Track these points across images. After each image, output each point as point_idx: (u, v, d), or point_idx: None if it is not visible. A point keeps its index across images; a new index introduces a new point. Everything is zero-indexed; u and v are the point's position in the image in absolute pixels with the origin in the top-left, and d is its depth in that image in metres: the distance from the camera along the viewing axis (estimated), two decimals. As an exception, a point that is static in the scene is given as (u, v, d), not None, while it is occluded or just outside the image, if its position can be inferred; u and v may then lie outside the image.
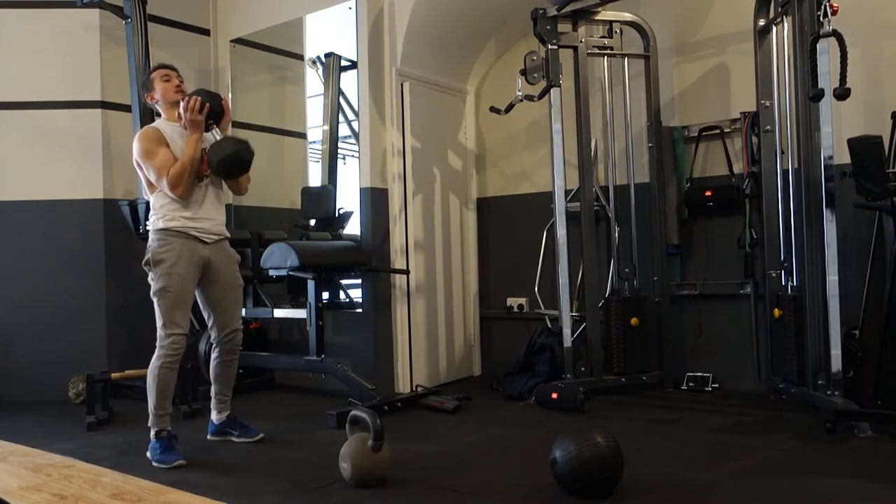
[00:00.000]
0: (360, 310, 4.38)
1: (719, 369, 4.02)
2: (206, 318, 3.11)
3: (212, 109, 2.95)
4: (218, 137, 2.99)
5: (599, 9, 3.96)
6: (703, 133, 4.08)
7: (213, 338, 3.12)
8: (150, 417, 2.86)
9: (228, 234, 3.11)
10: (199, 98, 2.90)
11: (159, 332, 2.87)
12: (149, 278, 2.89)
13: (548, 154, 4.16)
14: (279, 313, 4.37)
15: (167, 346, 2.85)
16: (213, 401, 3.20)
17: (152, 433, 2.86)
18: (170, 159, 2.87)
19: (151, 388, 2.86)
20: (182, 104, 2.91)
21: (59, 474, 2.70)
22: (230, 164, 2.95)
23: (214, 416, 3.20)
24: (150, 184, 2.94)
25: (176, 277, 2.85)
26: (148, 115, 4.17)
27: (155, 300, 2.87)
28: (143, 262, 2.92)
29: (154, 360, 2.87)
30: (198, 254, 2.93)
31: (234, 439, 3.15)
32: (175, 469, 2.72)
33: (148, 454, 2.86)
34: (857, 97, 3.18)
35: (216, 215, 3.02)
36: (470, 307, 4.81)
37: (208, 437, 3.20)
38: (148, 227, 2.96)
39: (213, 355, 3.16)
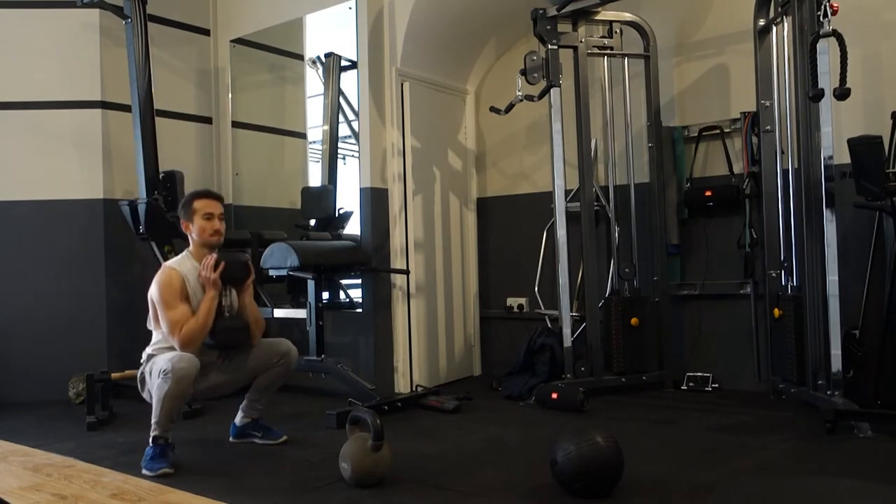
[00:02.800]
0: (360, 310, 4.38)
1: (719, 369, 4.02)
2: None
3: (232, 276, 2.93)
4: (228, 303, 2.95)
5: (599, 9, 3.96)
6: (703, 133, 4.08)
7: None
8: (153, 425, 2.75)
9: None
10: (213, 256, 2.88)
11: (164, 366, 2.72)
12: (146, 376, 2.83)
13: (548, 154, 4.16)
14: (279, 313, 4.37)
15: (173, 377, 2.71)
16: (243, 403, 3.13)
17: (151, 437, 2.76)
18: (186, 316, 2.81)
19: (158, 405, 2.73)
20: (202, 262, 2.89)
21: (59, 474, 2.70)
22: (229, 347, 2.96)
23: (238, 419, 3.14)
24: (156, 320, 2.89)
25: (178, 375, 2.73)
26: (148, 116, 4.19)
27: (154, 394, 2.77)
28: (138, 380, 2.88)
29: (161, 383, 2.69)
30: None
31: (258, 441, 3.10)
32: (161, 476, 2.63)
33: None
34: (857, 97, 3.18)
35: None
36: (470, 307, 4.81)
37: (230, 439, 3.15)
38: (144, 353, 2.90)
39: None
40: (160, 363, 2.74)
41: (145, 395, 2.86)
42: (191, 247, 2.99)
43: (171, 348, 2.83)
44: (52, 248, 4.35)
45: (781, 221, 3.60)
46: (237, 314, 2.98)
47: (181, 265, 2.93)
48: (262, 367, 3.05)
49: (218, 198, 3.01)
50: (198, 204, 2.94)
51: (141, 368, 2.89)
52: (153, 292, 2.85)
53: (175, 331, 2.79)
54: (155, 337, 2.91)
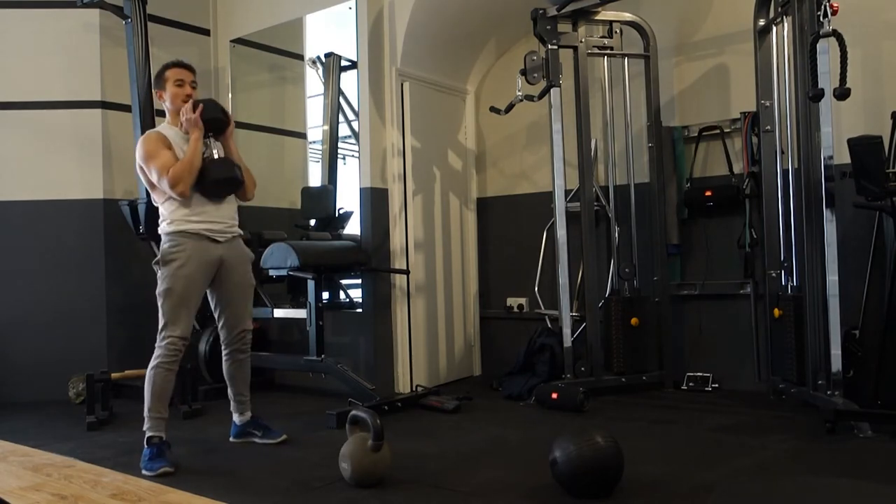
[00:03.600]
0: (360, 310, 4.38)
1: (719, 369, 4.02)
2: (216, 317, 3.09)
3: (213, 118, 2.96)
4: (216, 152, 2.99)
5: (599, 9, 3.96)
6: (703, 133, 4.08)
7: (222, 338, 3.10)
8: (145, 421, 2.81)
9: (242, 233, 3.11)
10: (190, 102, 2.94)
11: (159, 334, 2.85)
12: (157, 276, 2.88)
13: (548, 154, 4.16)
14: (279, 313, 4.37)
15: (164, 346, 2.83)
16: (232, 403, 3.16)
17: (145, 438, 2.79)
18: (171, 160, 2.86)
19: (147, 389, 2.82)
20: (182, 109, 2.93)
21: (59, 474, 2.70)
22: (223, 186, 2.98)
23: (236, 418, 3.16)
24: (156, 190, 2.93)
25: (182, 279, 2.84)
26: (148, 115, 4.19)
27: (159, 300, 2.85)
28: (153, 262, 2.91)
29: (151, 361, 2.84)
30: (210, 254, 2.92)
31: (257, 440, 3.11)
32: (161, 476, 2.64)
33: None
34: (857, 97, 3.18)
35: (228, 218, 3.03)
36: (470, 307, 4.81)
37: (231, 439, 3.16)
38: (159, 232, 2.96)
39: (224, 356, 3.12)
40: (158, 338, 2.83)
41: (158, 279, 2.89)
42: (167, 117, 3.06)
43: (182, 208, 2.88)
44: (52, 248, 4.35)
45: (781, 221, 3.60)
46: (224, 159, 3.02)
47: (161, 129, 3.01)
48: (232, 304, 3.04)
49: (188, 66, 3.07)
50: (169, 73, 3.01)
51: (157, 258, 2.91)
52: (138, 154, 2.92)
53: (164, 172, 2.83)
54: (163, 210, 2.95)
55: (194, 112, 2.91)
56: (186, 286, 2.85)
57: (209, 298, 3.06)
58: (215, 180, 2.93)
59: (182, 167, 2.84)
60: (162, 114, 4.45)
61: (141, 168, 2.94)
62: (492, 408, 3.78)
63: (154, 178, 2.89)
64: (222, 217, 2.99)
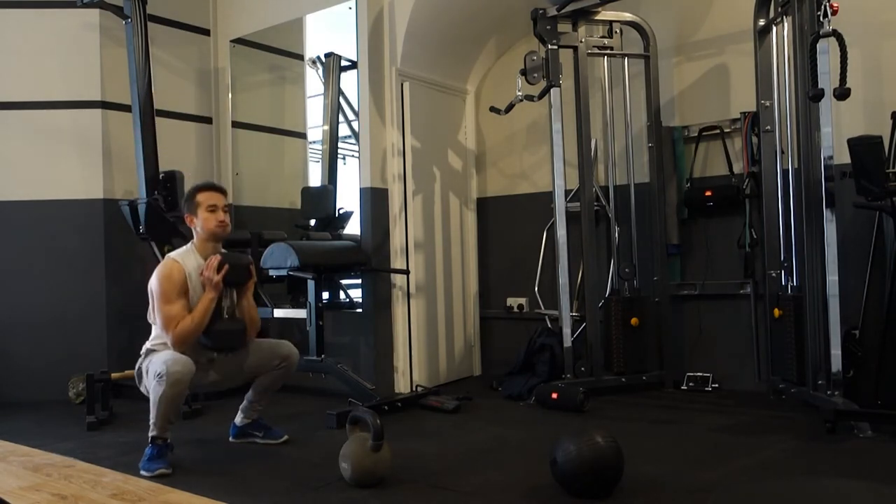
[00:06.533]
0: (360, 310, 4.38)
1: (719, 369, 4.02)
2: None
3: (235, 282, 2.92)
4: (226, 307, 2.93)
5: (599, 9, 3.96)
6: (703, 133, 4.08)
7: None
8: (151, 426, 2.74)
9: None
10: (218, 257, 2.85)
11: (159, 369, 2.70)
12: (143, 372, 2.80)
13: (548, 154, 4.16)
14: (279, 313, 4.36)
15: (167, 380, 2.68)
16: (244, 404, 3.12)
17: (150, 436, 2.75)
18: (182, 313, 2.78)
19: (154, 408, 2.72)
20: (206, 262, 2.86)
21: (59, 474, 2.70)
22: (220, 348, 2.94)
23: (238, 419, 3.13)
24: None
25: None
26: (148, 115, 4.19)
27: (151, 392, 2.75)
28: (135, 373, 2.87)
29: (156, 386, 2.67)
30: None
31: (258, 441, 3.10)
32: (158, 476, 2.62)
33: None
34: (857, 97, 3.18)
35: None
36: (470, 307, 4.81)
37: (230, 439, 3.14)
38: (143, 350, 2.88)
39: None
40: (155, 364, 2.71)
41: (142, 390, 2.84)
42: (195, 240, 2.96)
43: (167, 344, 2.81)
44: (52, 248, 4.35)
45: (781, 221, 3.60)
46: (234, 316, 2.96)
47: (184, 259, 2.89)
48: (262, 369, 3.04)
49: (221, 190, 2.98)
50: (201, 197, 2.91)
51: (139, 362, 2.86)
52: (153, 283, 2.83)
53: (170, 326, 2.77)
54: (154, 331, 2.88)
55: (218, 272, 2.81)
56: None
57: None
58: (215, 342, 2.89)
59: (188, 330, 2.77)
60: (162, 114, 4.52)
61: (151, 294, 2.84)
62: (492, 408, 3.78)
63: (159, 323, 2.81)
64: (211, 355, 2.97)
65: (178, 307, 2.79)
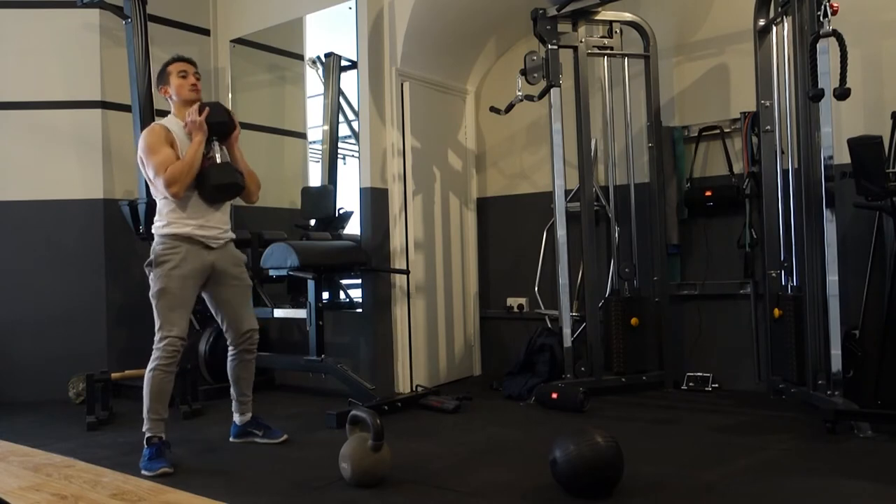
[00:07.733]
0: (360, 310, 4.38)
1: (719, 369, 4.02)
2: (219, 322, 3.09)
3: (219, 122, 2.95)
4: (219, 156, 2.99)
5: (599, 9, 3.96)
6: (703, 133, 4.08)
7: (229, 340, 3.09)
8: (145, 422, 2.81)
9: (234, 236, 3.10)
10: (198, 105, 2.93)
11: (156, 336, 2.84)
12: (149, 279, 2.87)
13: (548, 154, 4.16)
14: (279, 313, 4.37)
15: (162, 348, 2.81)
16: (234, 403, 3.16)
17: (145, 438, 2.80)
18: (171, 158, 2.85)
19: (146, 391, 2.81)
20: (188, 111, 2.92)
21: (59, 474, 2.70)
22: (223, 192, 2.97)
23: (237, 418, 3.16)
24: (153, 184, 2.92)
25: (177, 279, 2.83)
26: (148, 115, 4.18)
27: (154, 301, 2.84)
28: (145, 264, 2.90)
29: (149, 364, 2.83)
30: (203, 259, 2.91)
31: (258, 440, 3.12)
32: (160, 476, 2.64)
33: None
34: (857, 97, 3.18)
35: (222, 224, 3.02)
36: (470, 307, 4.81)
37: (231, 439, 3.16)
38: (152, 231, 2.94)
39: (230, 357, 3.12)
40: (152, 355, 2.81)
41: (150, 282, 2.87)
42: (173, 109, 3.05)
43: (178, 210, 2.87)
44: (52, 248, 4.35)
45: (781, 221, 3.60)
46: (226, 164, 3.02)
47: (166, 122, 2.99)
48: (232, 313, 3.03)
49: (190, 60, 3.09)
50: (171, 67, 3.04)
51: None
52: (140, 146, 2.91)
53: (161, 170, 2.82)
54: (160, 207, 2.93)
55: (200, 115, 2.90)
56: (181, 286, 2.84)
57: (208, 305, 3.06)
58: (215, 186, 2.91)
59: (180, 168, 2.83)
60: (162, 114, 4.50)
61: (141, 161, 2.93)
62: (492, 408, 3.78)
63: (150, 174, 2.88)
64: (217, 223, 2.98)
65: (165, 152, 2.86)
